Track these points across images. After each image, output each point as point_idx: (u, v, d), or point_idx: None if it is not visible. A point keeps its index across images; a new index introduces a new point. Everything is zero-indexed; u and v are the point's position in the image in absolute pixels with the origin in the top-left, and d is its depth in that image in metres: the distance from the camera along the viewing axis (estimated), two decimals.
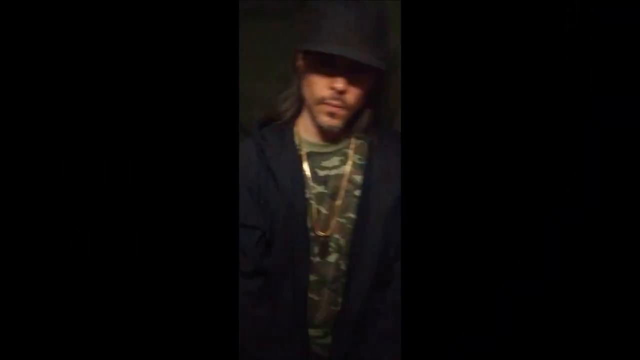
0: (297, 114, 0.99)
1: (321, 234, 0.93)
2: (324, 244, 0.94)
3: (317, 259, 0.94)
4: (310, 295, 0.94)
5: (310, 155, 0.96)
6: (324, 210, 0.94)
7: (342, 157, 0.97)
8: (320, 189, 0.95)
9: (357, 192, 0.95)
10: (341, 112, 0.90)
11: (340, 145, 0.98)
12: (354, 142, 0.98)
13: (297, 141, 0.97)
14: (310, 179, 0.95)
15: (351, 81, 0.88)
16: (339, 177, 0.96)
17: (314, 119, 0.94)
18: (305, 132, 0.98)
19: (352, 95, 0.90)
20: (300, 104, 0.97)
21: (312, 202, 0.94)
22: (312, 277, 0.94)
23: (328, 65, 0.88)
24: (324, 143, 0.97)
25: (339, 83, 0.87)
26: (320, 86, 0.89)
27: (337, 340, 0.95)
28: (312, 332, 0.96)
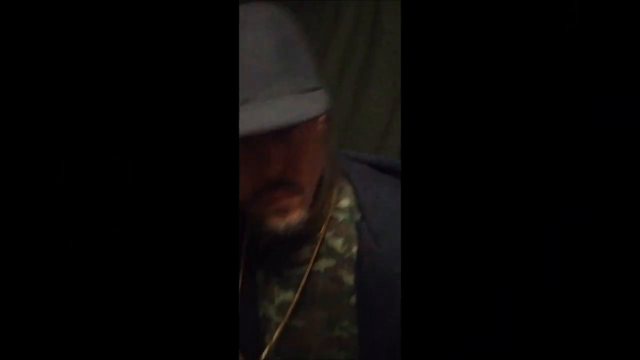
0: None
1: None
2: None
3: None
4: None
5: (270, 248, 0.68)
6: (297, 325, 0.65)
7: (312, 245, 0.67)
8: (286, 296, 0.66)
9: (352, 300, 0.66)
10: (295, 200, 0.63)
11: (309, 228, 0.68)
12: (335, 221, 0.68)
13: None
14: (274, 284, 0.67)
15: (286, 151, 0.61)
16: (318, 275, 0.66)
17: (262, 228, 0.65)
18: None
19: (297, 168, 0.62)
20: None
21: (271, 321, 0.66)
22: None
23: (250, 147, 0.61)
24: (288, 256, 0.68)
25: (272, 170, 0.60)
26: (248, 185, 0.63)
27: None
28: None
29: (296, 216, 0.64)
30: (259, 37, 0.62)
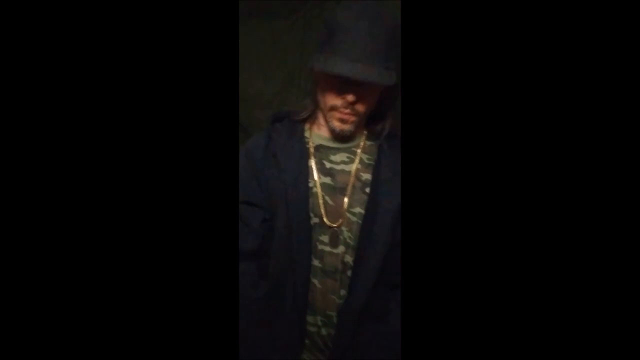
0: (311, 115, 1.04)
1: (331, 224, 0.97)
2: (334, 234, 0.97)
3: (327, 247, 0.97)
4: (313, 280, 0.97)
5: (318, 149, 1.02)
6: (330, 202, 0.98)
7: (350, 155, 1.02)
8: (326, 180, 0.99)
9: (367, 189, 0.99)
10: (352, 118, 0.96)
11: (349, 144, 1.03)
12: (363, 142, 1.03)
13: (307, 135, 1.03)
14: (315, 169, 1.00)
15: (362, 93, 0.94)
16: (346, 173, 1.00)
17: (326, 122, 1.00)
18: (317, 129, 1.03)
19: (363, 104, 0.95)
20: (315, 108, 1.03)
21: (317, 191, 0.98)
22: (316, 264, 0.97)
23: (340, 78, 0.91)
24: (334, 141, 1.03)
25: (350, 96, 0.93)
26: (333, 96, 0.95)
27: (339, 334, 0.96)
28: (310, 319, 0.98)
29: (349, 127, 0.98)
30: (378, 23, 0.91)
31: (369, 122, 1.03)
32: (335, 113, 0.96)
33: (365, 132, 1.04)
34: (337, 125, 0.97)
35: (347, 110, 0.95)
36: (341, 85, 0.93)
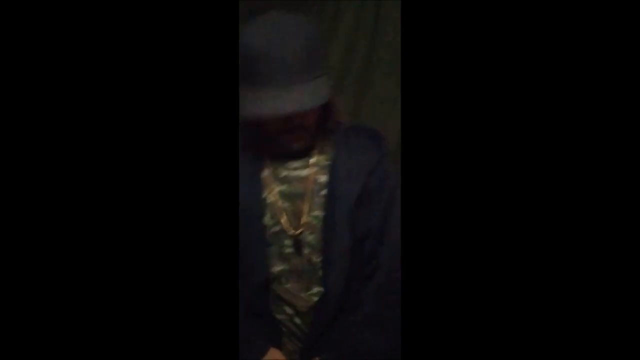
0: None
1: (293, 232, 0.97)
2: (297, 242, 0.98)
3: (291, 251, 0.98)
4: (282, 281, 0.99)
5: (274, 157, 0.99)
6: (290, 208, 0.98)
7: (305, 159, 1.00)
8: (282, 187, 0.99)
9: (324, 192, 0.98)
10: (304, 135, 0.94)
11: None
12: (319, 144, 1.01)
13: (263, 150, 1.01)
14: (272, 179, 0.99)
15: (303, 113, 0.89)
16: (302, 178, 0.99)
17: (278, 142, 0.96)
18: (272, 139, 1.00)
19: (310, 119, 0.92)
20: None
21: (274, 200, 0.98)
22: (285, 267, 0.98)
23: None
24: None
25: (294, 121, 0.90)
26: (276, 129, 0.92)
27: (314, 327, 0.99)
28: (282, 309, 1.00)
29: (304, 143, 0.96)
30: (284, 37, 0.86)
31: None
32: (285, 136, 0.93)
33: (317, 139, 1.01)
34: (293, 146, 0.95)
35: (296, 133, 0.92)
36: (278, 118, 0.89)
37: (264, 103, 0.86)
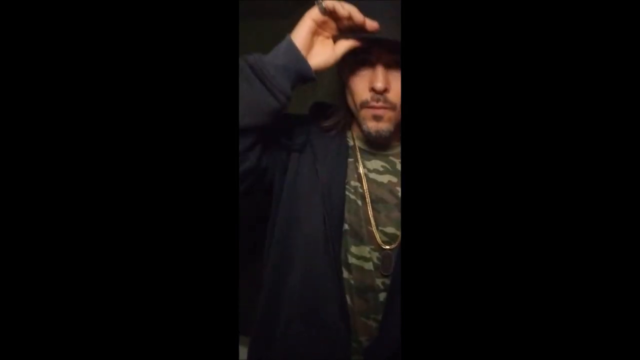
0: (346, 126, 0.94)
1: (384, 246, 0.85)
2: (387, 257, 0.86)
3: (356, 260, 0.86)
4: (346, 296, 0.86)
5: (355, 150, 0.91)
6: (360, 212, 0.87)
7: (385, 164, 0.90)
8: (358, 185, 0.89)
9: (398, 210, 0.87)
10: (387, 113, 0.85)
11: (388, 151, 0.91)
12: (397, 144, 0.91)
13: (349, 141, 0.93)
14: (352, 171, 0.89)
15: (391, 78, 0.83)
16: (378, 184, 0.89)
17: (361, 127, 0.87)
18: (355, 130, 0.93)
19: (396, 93, 0.84)
20: (348, 118, 0.92)
21: (348, 195, 0.87)
22: (346, 276, 0.87)
23: (366, 63, 0.83)
24: (370, 146, 0.91)
25: (379, 82, 0.82)
26: (361, 89, 0.84)
27: None
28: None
29: (386, 126, 0.85)
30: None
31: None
32: (367, 111, 0.84)
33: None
34: (371, 126, 0.85)
35: (380, 104, 0.83)
36: (368, 72, 0.82)
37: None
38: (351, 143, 0.92)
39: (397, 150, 0.91)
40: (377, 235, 0.86)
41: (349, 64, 0.86)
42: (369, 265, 0.87)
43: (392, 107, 0.84)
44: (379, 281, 0.86)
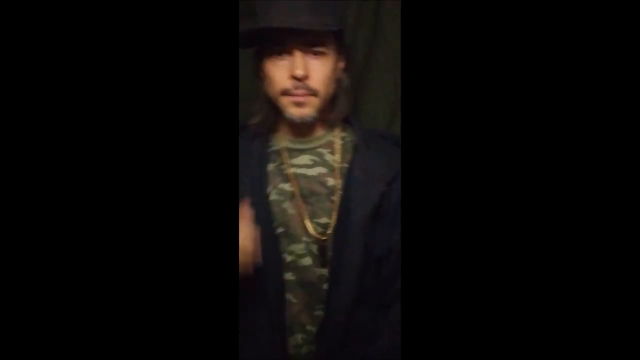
0: (272, 125, 0.94)
1: (317, 237, 0.88)
2: (322, 249, 0.89)
3: (297, 259, 0.89)
4: (287, 296, 0.89)
5: (281, 152, 0.92)
6: (290, 211, 0.89)
7: (313, 157, 0.92)
8: (285, 186, 0.90)
9: (333, 197, 0.90)
10: (309, 99, 0.86)
11: (314, 144, 0.93)
12: (335, 143, 0.93)
13: (272, 140, 0.94)
14: (275, 174, 0.91)
15: (310, 64, 0.85)
16: (309, 178, 0.91)
17: (284, 116, 0.88)
18: (282, 131, 0.94)
19: (316, 79, 0.85)
20: (272, 114, 0.92)
21: (276, 198, 0.90)
22: (289, 277, 0.89)
23: (283, 52, 0.84)
24: (299, 139, 0.93)
25: (298, 69, 0.83)
26: (280, 77, 0.85)
27: (320, 353, 0.88)
28: (289, 340, 0.90)
29: (308, 111, 0.86)
30: None
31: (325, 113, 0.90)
32: (287, 98, 0.86)
33: (336, 128, 0.93)
34: (294, 112, 0.86)
35: (300, 91, 0.84)
36: (286, 59, 0.84)
37: (276, 18, 0.81)
38: (277, 147, 0.93)
39: (324, 140, 0.93)
40: (312, 227, 0.89)
41: (267, 55, 0.87)
42: (307, 261, 0.89)
43: (314, 93, 0.86)
44: (319, 272, 0.89)
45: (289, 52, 0.85)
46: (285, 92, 0.86)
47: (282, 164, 0.92)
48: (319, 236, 0.89)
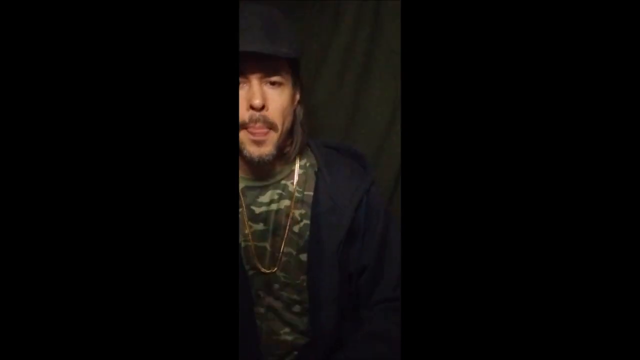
0: None
1: (265, 270, 0.91)
2: (268, 281, 0.92)
3: (264, 294, 0.92)
4: (260, 324, 0.92)
5: (245, 192, 0.92)
6: (269, 248, 0.91)
7: (279, 190, 0.93)
8: (258, 226, 0.92)
9: (296, 229, 0.91)
10: (267, 136, 0.85)
11: (276, 178, 0.93)
12: (294, 173, 0.93)
13: None
14: (247, 217, 0.91)
15: (268, 94, 0.84)
16: (279, 212, 0.92)
17: (242, 154, 0.87)
18: (241, 170, 0.92)
19: (274, 110, 0.85)
20: None
21: (249, 241, 0.91)
22: (261, 311, 0.93)
23: (241, 82, 0.84)
24: (259, 179, 0.92)
25: (256, 98, 0.82)
26: (240, 110, 0.84)
27: None
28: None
29: (268, 149, 0.85)
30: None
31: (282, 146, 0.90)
32: (246, 134, 0.84)
33: (295, 159, 0.93)
34: (253, 151, 0.85)
35: (259, 125, 0.83)
36: (243, 90, 0.83)
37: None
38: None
39: (287, 172, 0.93)
40: (280, 259, 0.91)
41: None
42: (277, 303, 0.92)
43: (272, 127, 0.85)
44: (282, 299, 0.92)
45: (246, 81, 0.84)
46: (243, 126, 0.84)
47: (251, 205, 0.92)
48: (264, 270, 0.91)
